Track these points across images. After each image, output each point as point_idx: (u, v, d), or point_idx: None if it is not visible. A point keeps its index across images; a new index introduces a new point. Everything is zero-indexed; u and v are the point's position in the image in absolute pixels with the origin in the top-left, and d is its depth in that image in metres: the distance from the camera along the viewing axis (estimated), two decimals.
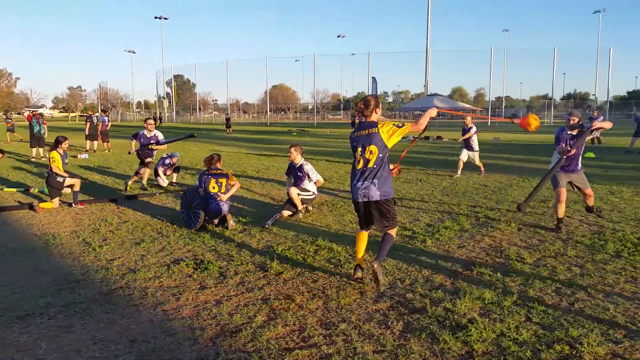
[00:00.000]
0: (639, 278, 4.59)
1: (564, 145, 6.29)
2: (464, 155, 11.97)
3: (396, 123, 4.49)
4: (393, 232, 4.57)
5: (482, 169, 11.95)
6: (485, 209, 7.80)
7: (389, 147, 4.40)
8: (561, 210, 6.36)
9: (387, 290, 4.34)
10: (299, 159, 7.66)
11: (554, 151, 6.77)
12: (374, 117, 4.47)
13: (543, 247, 5.60)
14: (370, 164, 4.38)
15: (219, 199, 6.73)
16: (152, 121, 10.34)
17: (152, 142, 10.00)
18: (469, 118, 12.71)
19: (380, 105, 4.57)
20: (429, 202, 8.48)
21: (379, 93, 39.06)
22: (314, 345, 3.33)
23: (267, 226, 6.64)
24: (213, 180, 6.88)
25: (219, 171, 7.03)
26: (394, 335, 3.49)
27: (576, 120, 6.33)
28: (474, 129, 12.01)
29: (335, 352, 3.22)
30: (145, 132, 10.15)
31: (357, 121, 37.34)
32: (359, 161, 4.46)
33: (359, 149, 4.45)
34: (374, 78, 36.77)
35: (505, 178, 11.33)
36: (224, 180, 6.93)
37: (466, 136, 11.98)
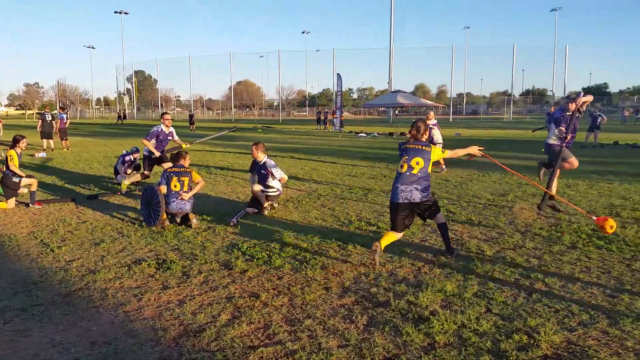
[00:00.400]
0: (592, 268, 4.78)
1: (564, 128, 7.12)
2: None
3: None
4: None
5: (443, 165, 12.19)
6: (447, 203, 7.96)
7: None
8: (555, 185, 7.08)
9: (351, 285, 4.38)
10: (262, 157, 7.61)
11: (548, 129, 7.96)
12: (424, 138, 5.19)
13: (502, 240, 5.76)
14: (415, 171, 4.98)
15: (180, 198, 6.62)
16: (169, 116, 9.54)
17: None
18: (431, 114, 13.10)
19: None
20: None
21: (344, 90, 39.20)
22: (278, 342, 3.33)
23: (231, 224, 6.58)
24: (175, 178, 6.72)
25: (182, 169, 6.87)
26: (358, 329, 3.52)
27: (574, 106, 7.14)
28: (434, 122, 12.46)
29: (300, 348, 3.23)
30: (163, 128, 9.37)
31: (322, 117, 37.45)
32: (402, 166, 5.06)
33: (406, 157, 5.06)
34: (339, 75, 36.84)
35: (466, 173, 11.60)
36: (186, 179, 6.77)
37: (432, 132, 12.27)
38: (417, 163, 4.93)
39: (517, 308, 3.86)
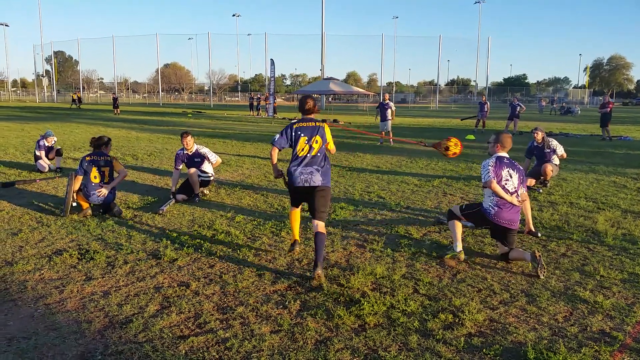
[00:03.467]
0: None
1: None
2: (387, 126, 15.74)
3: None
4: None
5: (391, 136, 14.92)
6: (378, 189, 8.16)
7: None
8: None
9: (285, 271, 4.38)
10: (193, 147, 7.37)
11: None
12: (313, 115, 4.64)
13: (428, 224, 6.00)
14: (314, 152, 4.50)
15: (99, 193, 6.15)
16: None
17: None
18: (387, 95, 16.96)
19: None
20: None
21: (276, 75, 38.91)
22: (210, 331, 3.28)
23: (160, 212, 6.35)
24: (95, 169, 6.21)
25: (102, 157, 6.33)
26: (291, 314, 3.54)
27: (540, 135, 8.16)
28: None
29: (232, 336, 3.20)
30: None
31: (255, 103, 36.97)
32: (302, 149, 4.51)
33: (305, 138, 4.50)
34: (272, 60, 36.45)
35: (396, 159, 11.94)
36: (107, 169, 6.28)
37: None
38: (316, 142, 4.52)
39: (443, 288, 4.05)
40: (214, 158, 7.54)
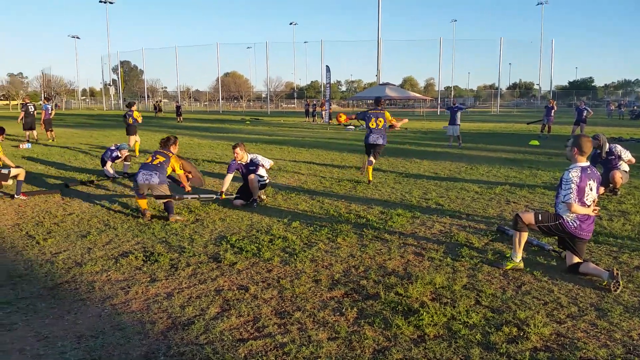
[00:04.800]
0: None
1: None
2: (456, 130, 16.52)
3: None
4: None
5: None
6: (436, 195, 7.98)
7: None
8: None
9: (341, 278, 4.36)
10: (245, 157, 7.47)
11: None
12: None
13: (490, 232, 5.79)
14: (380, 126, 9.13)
15: (147, 178, 6.50)
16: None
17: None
18: (455, 100, 17.53)
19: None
20: (382, 189, 8.59)
21: (332, 82, 39.10)
22: (268, 335, 3.31)
23: (193, 198, 7.03)
24: (151, 157, 6.79)
25: (164, 151, 6.84)
26: (348, 322, 3.51)
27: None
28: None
29: (289, 341, 3.21)
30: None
31: (310, 110, 37.33)
32: (374, 124, 9.13)
33: (374, 119, 9.15)
34: (327, 67, 36.67)
35: (454, 166, 11.64)
36: (162, 158, 6.74)
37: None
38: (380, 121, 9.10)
39: (506, 300, 3.88)
40: (267, 163, 7.66)
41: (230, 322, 3.50)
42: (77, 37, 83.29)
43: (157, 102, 51.33)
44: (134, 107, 14.35)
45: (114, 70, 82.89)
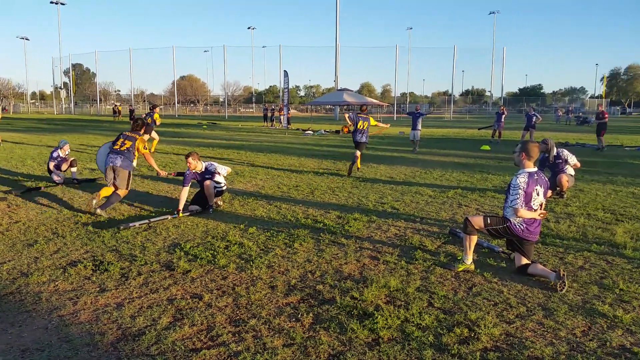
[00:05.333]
0: None
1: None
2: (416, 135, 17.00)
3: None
4: None
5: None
6: (392, 199, 8.11)
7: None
8: None
9: (297, 283, 4.36)
10: (200, 165, 7.25)
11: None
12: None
13: (443, 235, 5.93)
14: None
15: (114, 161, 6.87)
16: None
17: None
18: (417, 105, 18.16)
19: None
20: (339, 194, 8.64)
21: (290, 87, 39.10)
22: (222, 344, 3.26)
23: (129, 227, 6.16)
24: (121, 140, 7.06)
25: (132, 134, 7.15)
26: (304, 327, 3.51)
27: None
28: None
29: (244, 349, 3.18)
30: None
31: (269, 114, 37.20)
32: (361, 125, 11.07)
33: (361, 121, 11.04)
34: (285, 72, 36.65)
35: (410, 170, 11.87)
36: (129, 143, 7.04)
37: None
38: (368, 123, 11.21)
39: (458, 302, 3.98)
40: (224, 170, 7.53)
41: (182, 332, 3.42)
42: (27, 39, 79.77)
43: (115, 105, 49.93)
44: (157, 110, 15.63)
45: (66, 73, 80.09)
